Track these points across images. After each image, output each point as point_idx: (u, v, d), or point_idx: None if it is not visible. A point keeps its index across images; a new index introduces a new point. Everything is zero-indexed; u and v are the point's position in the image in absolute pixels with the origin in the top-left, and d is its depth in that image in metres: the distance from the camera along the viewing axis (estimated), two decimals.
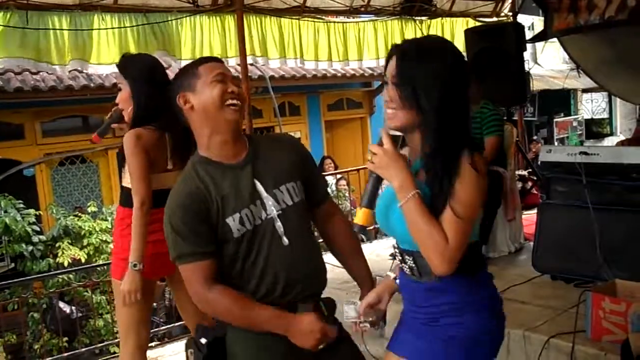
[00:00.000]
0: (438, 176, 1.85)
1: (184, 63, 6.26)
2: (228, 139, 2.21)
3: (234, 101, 2.19)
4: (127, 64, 3.34)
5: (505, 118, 5.80)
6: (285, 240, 2.20)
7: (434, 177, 1.87)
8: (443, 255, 1.82)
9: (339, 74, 10.85)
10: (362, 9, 7.43)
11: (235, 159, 2.23)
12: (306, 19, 7.06)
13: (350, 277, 2.44)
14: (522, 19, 8.15)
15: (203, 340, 2.25)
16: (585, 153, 4.07)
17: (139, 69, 3.28)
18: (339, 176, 9.78)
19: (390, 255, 2.12)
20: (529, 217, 5.67)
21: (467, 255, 1.88)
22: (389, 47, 1.95)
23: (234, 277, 2.19)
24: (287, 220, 2.22)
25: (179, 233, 2.13)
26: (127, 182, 3.29)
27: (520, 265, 4.82)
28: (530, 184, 7.34)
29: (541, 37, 7.02)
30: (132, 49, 5.82)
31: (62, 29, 5.54)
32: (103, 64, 5.75)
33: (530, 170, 7.49)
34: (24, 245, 7.44)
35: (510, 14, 8.35)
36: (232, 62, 6.67)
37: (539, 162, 4.97)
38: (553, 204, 4.39)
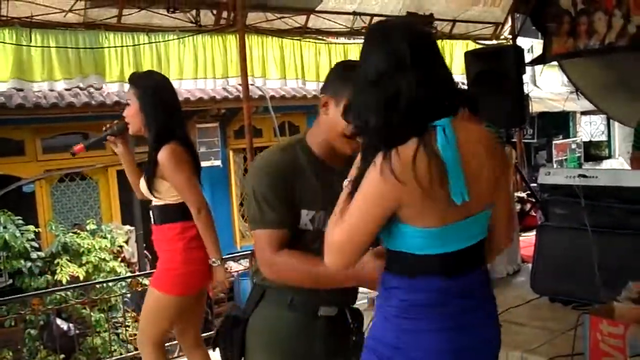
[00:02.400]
0: None
1: (184, 83, 6.34)
2: (339, 150, 2.23)
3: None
4: (139, 81, 3.43)
5: (504, 140, 5.82)
6: None
7: None
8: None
9: None
10: (364, 30, 7.48)
11: (335, 163, 2.25)
12: (307, 39, 7.12)
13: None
14: (521, 41, 8.20)
15: (227, 314, 2.44)
16: (584, 176, 4.08)
17: (152, 88, 3.41)
18: None
19: None
20: (527, 239, 5.67)
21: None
22: None
23: None
24: None
25: (266, 199, 2.15)
26: (164, 199, 3.37)
27: (518, 287, 4.80)
28: (528, 205, 7.34)
29: (540, 60, 7.08)
30: (134, 68, 5.88)
31: (67, 47, 5.60)
32: (108, 81, 5.81)
33: (528, 192, 7.50)
34: (22, 262, 7.44)
35: (510, 36, 8.41)
36: (233, 82, 6.73)
37: (538, 184, 4.99)
38: (551, 226, 4.39)
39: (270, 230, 2.16)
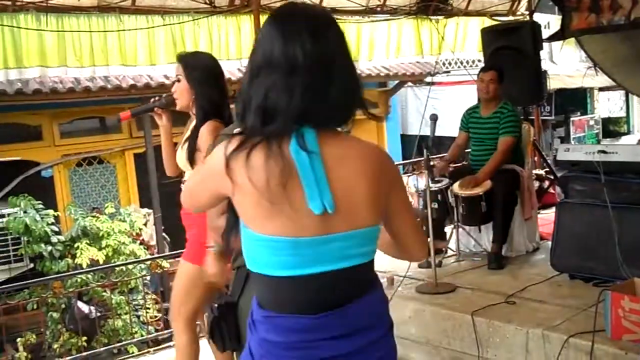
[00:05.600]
0: None
1: None
2: None
3: None
4: (190, 61, 3.44)
5: (522, 117, 5.78)
6: None
7: None
8: None
9: None
10: (378, 8, 7.43)
11: None
12: None
13: None
14: (538, 17, 8.11)
15: (215, 304, 2.39)
16: (604, 152, 4.05)
17: (202, 68, 3.41)
18: None
19: None
20: (546, 216, 5.64)
21: None
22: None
23: None
24: None
25: None
26: None
27: (538, 264, 4.79)
28: (547, 183, 7.30)
29: (559, 36, 6.97)
30: (149, 51, 5.90)
31: (80, 31, 5.61)
32: (122, 65, 5.82)
33: (547, 169, 7.45)
34: (43, 246, 7.49)
35: (527, 12, 8.32)
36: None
37: (556, 160, 4.94)
38: (571, 202, 4.37)
39: None
